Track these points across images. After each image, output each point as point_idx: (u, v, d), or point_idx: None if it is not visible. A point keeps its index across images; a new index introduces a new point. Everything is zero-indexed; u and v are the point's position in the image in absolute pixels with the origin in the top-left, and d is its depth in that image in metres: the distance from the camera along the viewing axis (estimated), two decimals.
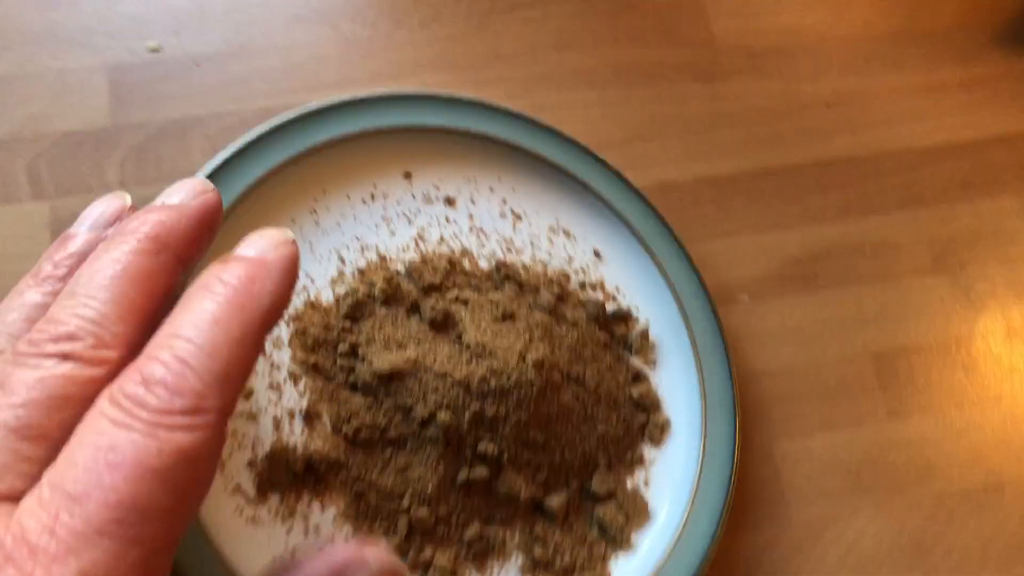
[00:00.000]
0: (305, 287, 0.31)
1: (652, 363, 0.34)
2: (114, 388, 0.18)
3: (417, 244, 0.33)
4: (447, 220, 0.34)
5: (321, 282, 0.31)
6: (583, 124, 0.38)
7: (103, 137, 0.35)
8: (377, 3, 0.38)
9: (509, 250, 0.34)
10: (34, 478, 0.17)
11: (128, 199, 0.24)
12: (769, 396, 0.35)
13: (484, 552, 0.29)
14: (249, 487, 0.28)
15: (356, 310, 0.31)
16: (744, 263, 0.37)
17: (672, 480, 0.32)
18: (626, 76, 0.39)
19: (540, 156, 0.34)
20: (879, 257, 0.37)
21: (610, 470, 0.31)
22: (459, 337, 0.30)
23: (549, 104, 0.38)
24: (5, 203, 0.34)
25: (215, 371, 0.18)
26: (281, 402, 0.29)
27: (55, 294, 0.21)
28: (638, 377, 0.33)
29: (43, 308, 0.21)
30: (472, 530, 0.29)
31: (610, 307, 0.34)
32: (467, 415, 0.28)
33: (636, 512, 0.31)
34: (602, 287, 0.35)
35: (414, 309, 0.31)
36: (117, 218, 0.24)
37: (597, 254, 0.35)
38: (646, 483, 0.32)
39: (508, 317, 0.31)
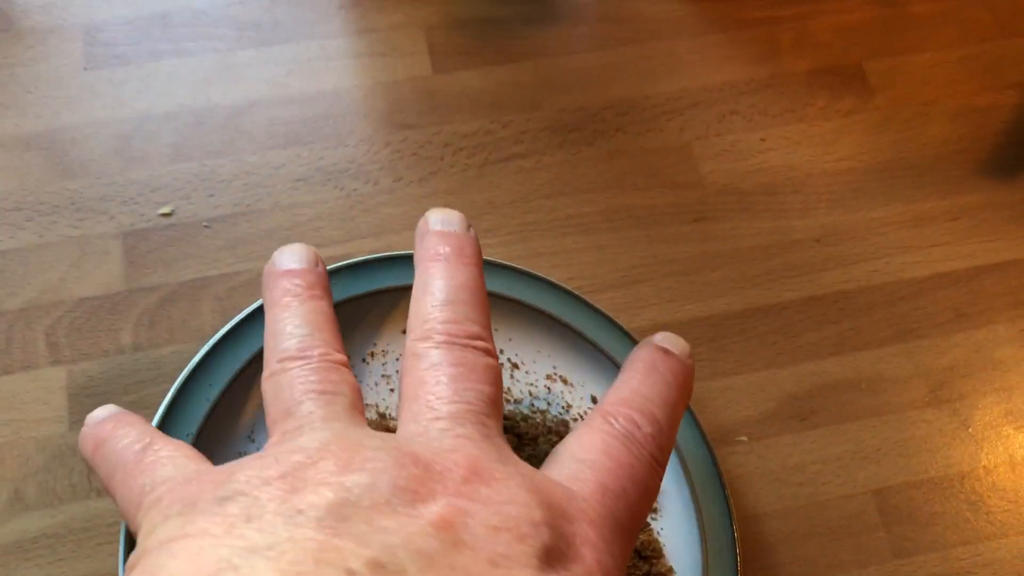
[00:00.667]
0: None
1: (652, 511, 0.34)
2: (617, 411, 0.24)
3: None
4: None
5: None
6: (577, 268, 0.39)
7: (118, 300, 0.37)
8: (379, 161, 0.40)
9: (507, 400, 0.35)
10: None
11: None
12: (773, 538, 0.35)
13: None
14: None
15: None
16: (741, 403, 0.37)
17: None
18: (617, 220, 0.40)
19: (534, 306, 0.35)
20: (876, 392, 0.38)
21: None
22: None
23: (544, 250, 0.39)
24: (24, 369, 0.35)
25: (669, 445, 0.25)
26: None
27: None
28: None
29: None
30: None
31: None
32: None
33: None
34: None
35: None
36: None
37: (595, 400, 0.36)
38: None
39: None
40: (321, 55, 0.42)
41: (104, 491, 0.29)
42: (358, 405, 0.24)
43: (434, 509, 0.19)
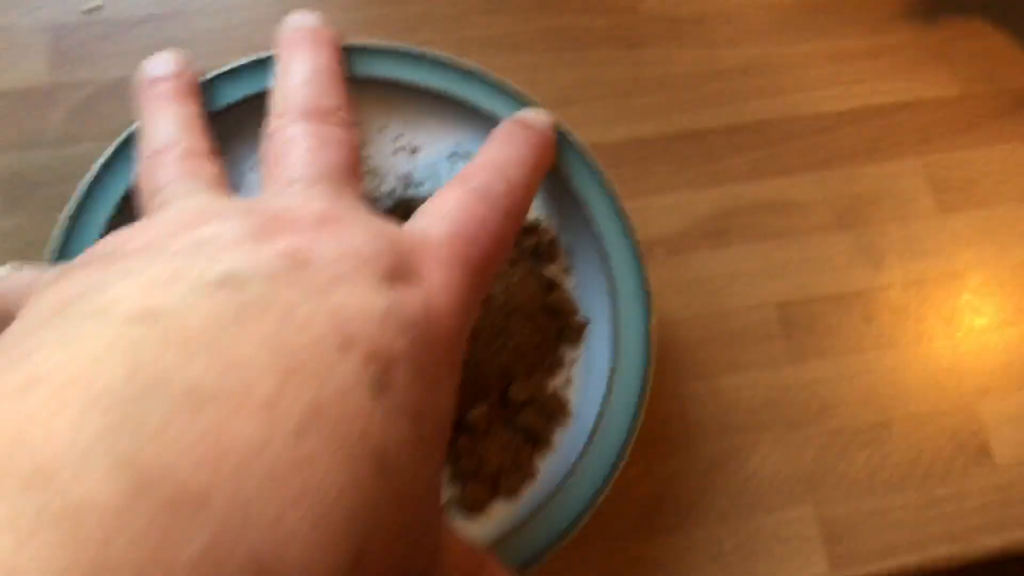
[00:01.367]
0: None
1: (566, 270, 0.34)
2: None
3: None
4: None
5: None
6: None
7: (44, 94, 0.36)
8: None
9: (408, 186, 0.34)
10: None
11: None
12: (681, 342, 0.38)
13: None
14: None
15: None
16: (661, 220, 0.39)
17: (592, 378, 0.33)
18: (552, 41, 0.41)
19: (430, 88, 0.33)
20: (787, 215, 0.40)
21: (529, 376, 0.33)
22: None
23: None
24: None
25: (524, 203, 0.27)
26: None
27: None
28: (552, 285, 0.34)
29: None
30: None
31: None
32: None
33: (556, 412, 0.32)
34: None
35: None
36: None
37: None
38: (569, 382, 0.33)
39: None
40: None
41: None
42: (222, 183, 0.26)
43: (281, 244, 0.20)
